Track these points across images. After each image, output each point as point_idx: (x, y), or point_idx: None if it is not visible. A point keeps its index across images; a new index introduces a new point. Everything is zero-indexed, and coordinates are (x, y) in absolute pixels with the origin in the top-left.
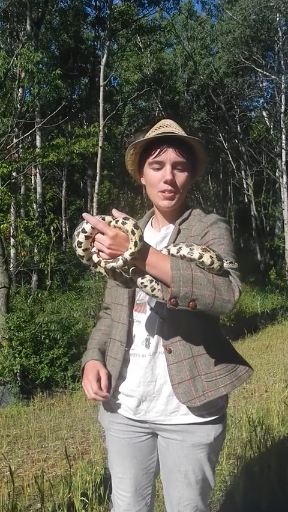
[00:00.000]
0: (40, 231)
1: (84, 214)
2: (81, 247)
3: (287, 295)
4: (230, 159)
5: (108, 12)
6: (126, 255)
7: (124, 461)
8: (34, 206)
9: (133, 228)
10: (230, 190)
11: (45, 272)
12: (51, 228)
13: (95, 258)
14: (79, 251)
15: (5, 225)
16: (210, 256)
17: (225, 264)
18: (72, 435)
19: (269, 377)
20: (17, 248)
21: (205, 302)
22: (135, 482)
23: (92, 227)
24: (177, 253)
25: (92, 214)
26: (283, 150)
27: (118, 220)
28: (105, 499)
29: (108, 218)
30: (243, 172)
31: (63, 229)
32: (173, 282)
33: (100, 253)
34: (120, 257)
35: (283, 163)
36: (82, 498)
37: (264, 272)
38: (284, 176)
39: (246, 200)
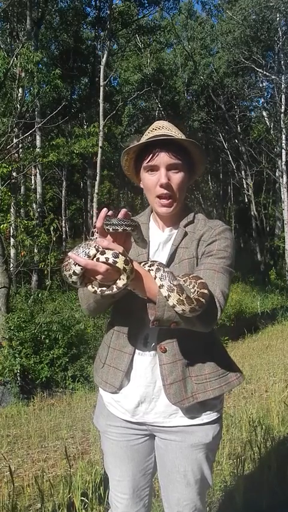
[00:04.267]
0: (40, 231)
1: (70, 254)
2: (76, 284)
3: (287, 295)
4: (230, 159)
5: (108, 12)
6: (120, 284)
7: (122, 464)
8: (34, 206)
9: (124, 266)
10: (230, 190)
11: (45, 272)
12: (51, 228)
13: (91, 289)
14: (74, 285)
15: (5, 225)
16: (183, 309)
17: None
18: (72, 435)
19: (269, 377)
20: (17, 248)
21: (187, 325)
22: (133, 484)
23: (81, 268)
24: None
25: (92, 215)
26: (283, 150)
27: (109, 259)
28: (105, 499)
29: (92, 251)
30: (243, 172)
31: (63, 229)
32: (158, 307)
33: (94, 281)
34: (114, 286)
35: (283, 163)
36: (82, 498)
37: (264, 272)
38: (284, 176)
39: (246, 200)
